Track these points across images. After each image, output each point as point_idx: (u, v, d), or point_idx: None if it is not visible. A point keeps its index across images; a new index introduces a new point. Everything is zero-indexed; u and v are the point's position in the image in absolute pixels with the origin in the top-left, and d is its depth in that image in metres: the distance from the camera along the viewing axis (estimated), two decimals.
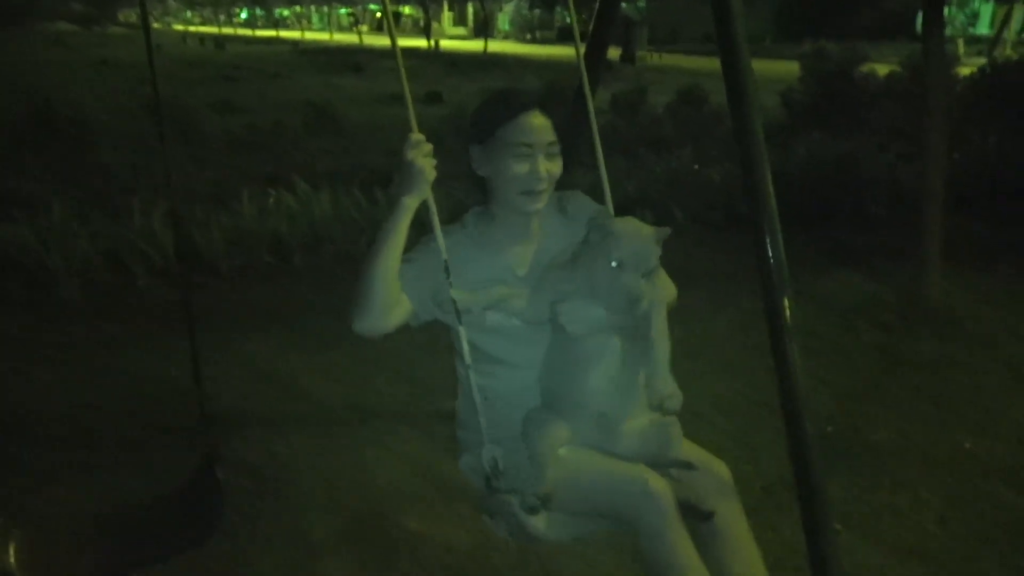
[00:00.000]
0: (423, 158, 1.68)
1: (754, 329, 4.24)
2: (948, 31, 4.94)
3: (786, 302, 2.07)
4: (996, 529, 2.71)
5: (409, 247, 1.76)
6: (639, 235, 1.68)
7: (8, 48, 24.82)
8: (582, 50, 2.50)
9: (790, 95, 9.13)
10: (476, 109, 1.86)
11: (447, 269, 1.73)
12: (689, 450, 1.85)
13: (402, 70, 1.73)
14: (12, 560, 2.27)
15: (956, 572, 2.50)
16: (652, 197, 6.33)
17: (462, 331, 1.76)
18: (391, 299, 1.72)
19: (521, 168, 1.77)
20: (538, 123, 1.78)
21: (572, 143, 3.07)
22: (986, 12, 32.11)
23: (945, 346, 4.14)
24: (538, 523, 1.76)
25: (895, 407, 3.54)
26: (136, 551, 2.40)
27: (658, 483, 1.68)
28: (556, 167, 1.82)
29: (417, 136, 1.69)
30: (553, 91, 11.30)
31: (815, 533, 2.18)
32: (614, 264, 1.65)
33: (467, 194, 1.83)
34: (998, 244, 5.68)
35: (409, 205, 1.70)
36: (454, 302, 1.74)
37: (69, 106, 8.91)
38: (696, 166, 6.96)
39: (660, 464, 1.76)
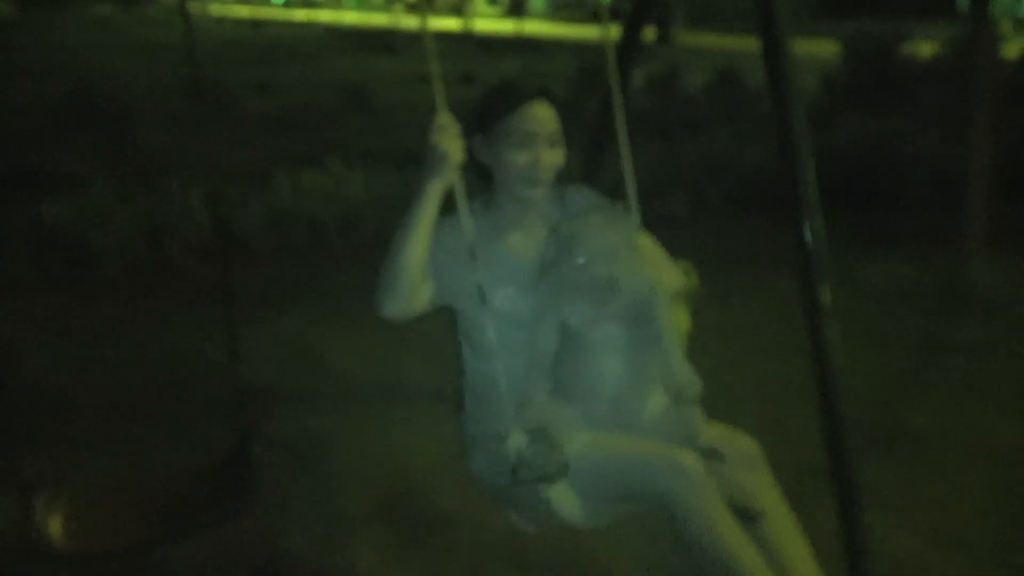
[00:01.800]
0: (449, 141, 1.66)
1: (791, 313, 4.17)
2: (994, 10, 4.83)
3: (824, 287, 2.03)
4: None
5: None
6: (599, 229, 1.71)
7: (51, 30, 25.21)
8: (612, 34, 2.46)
9: (830, 75, 8.91)
10: (480, 97, 1.83)
11: (473, 254, 1.70)
12: (713, 432, 1.81)
13: (431, 51, 1.69)
14: (60, 530, 2.32)
15: (996, 563, 2.45)
16: (687, 179, 6.24)
17: (488, 317, 1.71)
18: (416, 284, 1.71)
19: (523, 157, 1.76)
20: (541, 112, 1.77)
21: (607, 129, 3.03)
22: None
23: (987, 332, 4.04)
24: (572, 510, 1.72)
25: (935, 394, 3.46)
26: (173, 523, 2.44)
27: (688, 458, 1.63)
28: (559, 157, 1.80)
29: (444, 118, 1.67)
30: (586, 74, 11.19)
31: (850, 520, 2.15)
32: (581, 261, 1.68)
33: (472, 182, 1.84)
34: None
35: (434, 190, 1.68)
36: (480, 287, 1.71)
37: (110, 87, 9.04)
38: (732, 148, 6.84)
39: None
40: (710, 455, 1.74)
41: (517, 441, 1.68)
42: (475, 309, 1.74)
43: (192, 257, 4.98)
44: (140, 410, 3.27)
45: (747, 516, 1.73)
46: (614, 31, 2.61)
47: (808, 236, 2.03)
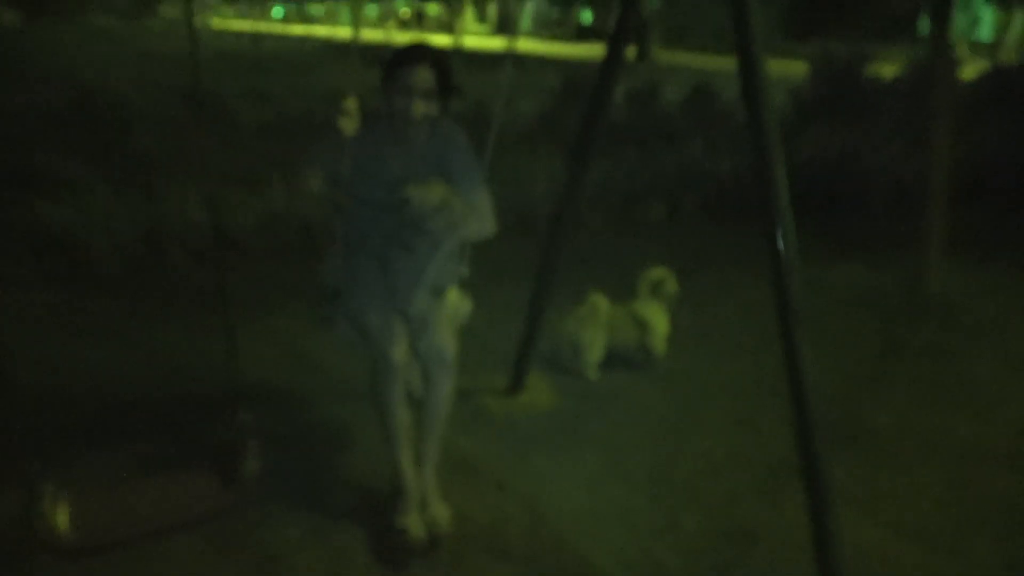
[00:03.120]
0: (346, 121, 2.18)
1: (760, 315, 4.19)
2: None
3: (795, 290, 2.03)
4: (992, 513, 2.66)
5: None
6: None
7: (55, 40, 24.93)
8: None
9: (799, 92, 8.97)
10: (394, 52, 2.34)
11: (345, 179, 2.32)
12: (438, 334, 2.39)
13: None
14: (66, 523, 2.28)
15: (953, 553, 2.46)
16: (664, 188, 6.26)
17: (353, 199, 2.37)
18: (314, 188, 2.35)
19: (402, 102, 2.29)
20: (422, 73, 2.28)
21: (590, 136, 3.01)
22: (987, 17, 31.33)
23: (944, 335, 4.07)
24: (342, 331, 2.50)
25: (895, 394, 3.48)
26: (172, 516, 2.41)
27: (398, 353, 2.33)
28: (430, 108, 2.33)
29: (350, 102, 2.19)
30: (569, 88, 11.17)
31: (818, 513, 2.15)
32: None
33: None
34: (997, 237, 5.58)
35: (325, 147, 2.27)
36: (351, 185, 2.34)
37: (112, 94, 8.93)
38: (706, 158, 6.87)
39: (417, 335, 2.40)
40: (414, 356, 2.42)
41: (329, 280, 2.50)
42: (349, 192, 2.38)
43: (188, 258, 4.92)
44: (138, 407, 3.22)
45: (418, 403, 2.47)
46: (590, 49, 2.60)
47: (781, 242, 2.03)
